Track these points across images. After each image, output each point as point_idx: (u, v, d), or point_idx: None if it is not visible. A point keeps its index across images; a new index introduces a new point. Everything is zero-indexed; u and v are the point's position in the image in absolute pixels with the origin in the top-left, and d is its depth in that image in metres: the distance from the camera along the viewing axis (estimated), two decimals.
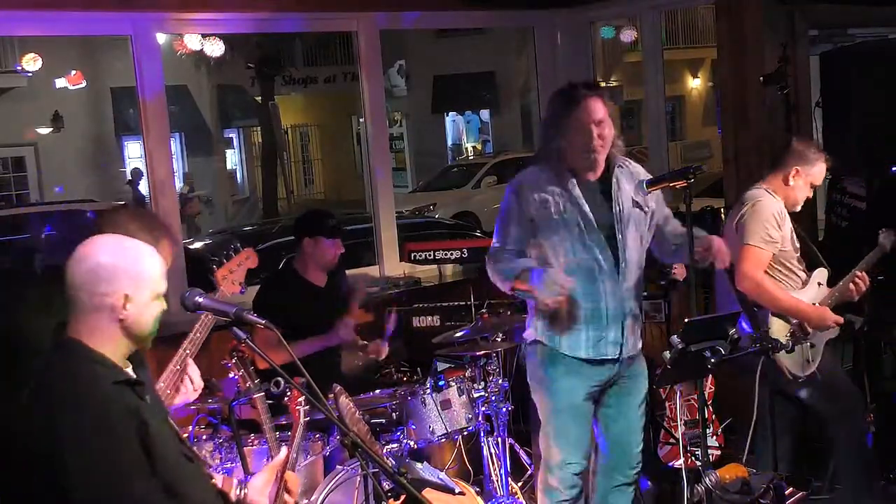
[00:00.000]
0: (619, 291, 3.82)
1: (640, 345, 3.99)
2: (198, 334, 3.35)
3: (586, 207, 3.81)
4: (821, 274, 4.51)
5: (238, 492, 2.66)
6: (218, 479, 2.76)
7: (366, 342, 4.90)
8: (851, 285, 4.48)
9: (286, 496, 2.75)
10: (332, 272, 4.97)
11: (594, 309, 3.83)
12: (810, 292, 4.46)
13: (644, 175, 3.95)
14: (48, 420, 2.31)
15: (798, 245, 4.48)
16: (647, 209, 3.91)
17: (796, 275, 4.46)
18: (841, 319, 4.43)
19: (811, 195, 4.54)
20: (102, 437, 2.26)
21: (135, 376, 2.47)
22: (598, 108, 3.78)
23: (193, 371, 3.27)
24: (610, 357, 3.86)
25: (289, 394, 3.54)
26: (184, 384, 3.24)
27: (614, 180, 3.88)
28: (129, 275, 2.42)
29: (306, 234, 4.84)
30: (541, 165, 3.91)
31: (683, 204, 3.65)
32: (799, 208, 4.50)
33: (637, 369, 4.02)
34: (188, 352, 3.28)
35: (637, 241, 3.87)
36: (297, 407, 3.53)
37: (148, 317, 2.47)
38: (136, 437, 2.30)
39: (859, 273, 4.49)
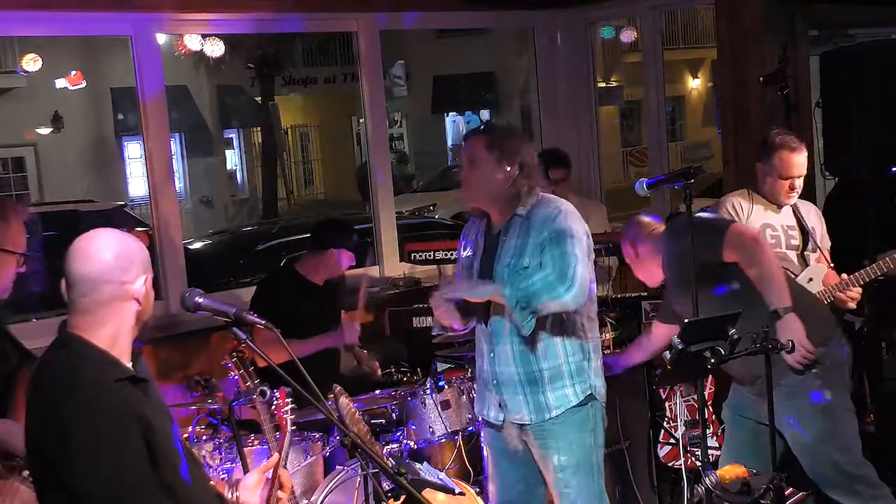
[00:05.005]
0: (494, 356, 3.60)
1: (548, 413, 3.53)
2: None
3: (477, 263, 3.63)
4: (815, 270, 4.35)
5: (231, 495, 2.67)
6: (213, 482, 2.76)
7: (364, 350, 4.91)
8: (840, 294, 4.29)
9: (279, 492, 2.74)
10: None
11: (479, 366, 3.72)
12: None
13: (561, 214, 3.46)
14: (50, 419, 2.31)
15: (789, 243, 4.32)
16: (525, 267, 3.43)
17: None
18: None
19: (796, 187, 4.28)
20: (105, 437, 2.26)
21: (135, 372, 2.47)
22: (469, 147, 3.58)
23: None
24: (493, 422, 3.69)
25: (276, 402, 3.53)
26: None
27: (502, 236, 3.55)
28: (139, 257, 2.47)
29: (334, 245, 4.88)
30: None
31: (683, 204, 3.65)
32: (787, 203, 4.31)
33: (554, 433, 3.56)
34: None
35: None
36: (284, 415, 3.53)
37: (152, 297, 2.52)
38: (139, 436, 2.30)
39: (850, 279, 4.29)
